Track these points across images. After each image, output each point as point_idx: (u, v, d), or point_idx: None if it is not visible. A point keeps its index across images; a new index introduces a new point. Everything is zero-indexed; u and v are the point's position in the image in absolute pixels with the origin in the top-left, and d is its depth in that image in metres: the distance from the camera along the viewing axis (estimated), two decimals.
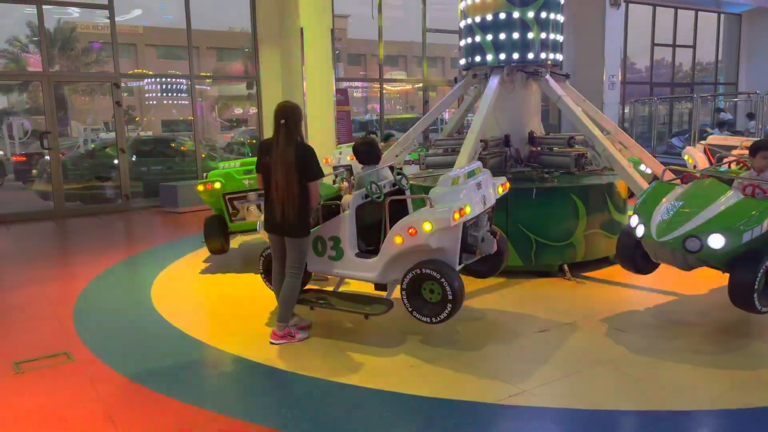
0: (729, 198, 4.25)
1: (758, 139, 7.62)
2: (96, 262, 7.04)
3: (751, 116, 15.22)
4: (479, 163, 4.73)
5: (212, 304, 5.57)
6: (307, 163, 4.14)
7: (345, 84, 13.46)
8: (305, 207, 4.21)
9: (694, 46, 18.37)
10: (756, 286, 4.00)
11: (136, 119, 13.81)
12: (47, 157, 10.77)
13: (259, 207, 6.41)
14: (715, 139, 8.97)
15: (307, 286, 4.86)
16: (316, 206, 4.46)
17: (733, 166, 5.96)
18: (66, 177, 11.04)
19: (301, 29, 10.89)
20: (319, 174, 4.22)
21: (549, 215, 5.83)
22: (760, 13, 18.25)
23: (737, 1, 17.29)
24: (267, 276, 4.99)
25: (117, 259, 7.21)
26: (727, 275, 4.23)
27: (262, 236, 4.97)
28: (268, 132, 4.40)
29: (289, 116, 4.16)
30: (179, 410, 3.45)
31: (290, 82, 11.59)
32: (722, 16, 18.84)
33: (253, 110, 13.05)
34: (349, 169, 6.96)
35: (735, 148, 7.91)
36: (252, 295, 5.51)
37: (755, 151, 4.68)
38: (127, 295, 5.86)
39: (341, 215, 4.52)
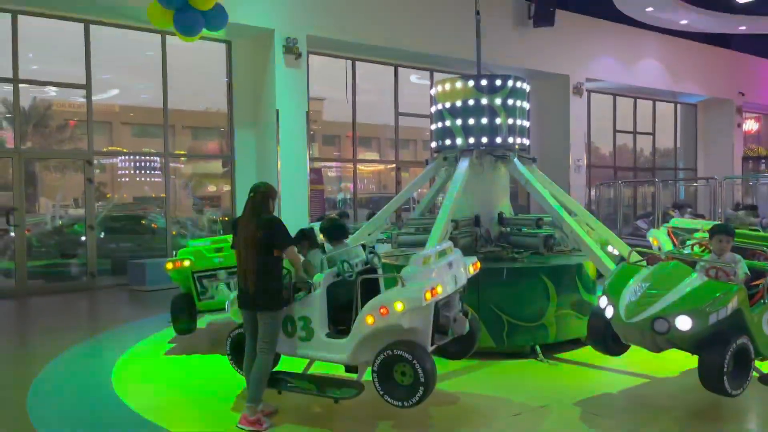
0: (693, 280, 4.34)
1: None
2: (56, 342, 6.75)
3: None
4: (450, 243, 4.78)
5: (176, 388, 5.34)
6: (273, 234, 4.15)
7: (319, 164, 13.68)
8: (268, 280, 4.18)
9: (653, 134, 19.26)
10: (725, 369, 4.03)
11: (107, 196, 13.69)
12: (12, 234, 10.56)
13: (228, 285, 6.31)
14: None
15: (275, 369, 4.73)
16: (311, 273, 4.45)
17: (696, 249, 6.12)
18: (30, 254, 10.80)
19: (277, 111, 11.18)
20: (289, 241, 4.23)
21: (520, 295, 5.85)
22: (715, 104, 19.35)
23: (692, 92, 18.34)
24: (234, 358, 4.86)
25: (78, 340, 6.94)
26: (696, 357, 4.26)
27: (230, 316, 4.87)
28: (240, 209, 4.46)
29: (259, 191, 4.24)
30: None
31: (265, 161, 11.76)
32: (679, 105, 19.90)
33: (227, 188, 13.10)
34: (322, 246, 6.95)
35: (697, 230, 8.13)
36: (218, 378, 5.33)
37: (712, 235, 4.83)
38: (87, 378, 5.61)
39: (312, 294, 4.47)
